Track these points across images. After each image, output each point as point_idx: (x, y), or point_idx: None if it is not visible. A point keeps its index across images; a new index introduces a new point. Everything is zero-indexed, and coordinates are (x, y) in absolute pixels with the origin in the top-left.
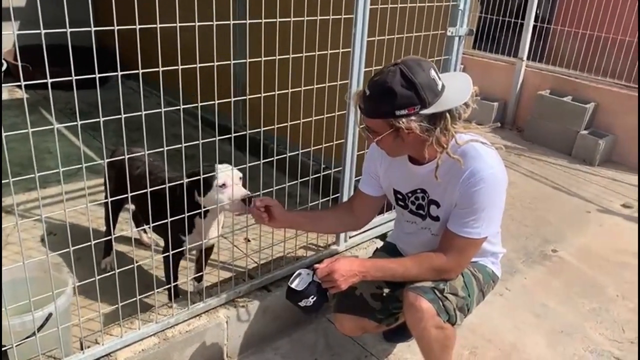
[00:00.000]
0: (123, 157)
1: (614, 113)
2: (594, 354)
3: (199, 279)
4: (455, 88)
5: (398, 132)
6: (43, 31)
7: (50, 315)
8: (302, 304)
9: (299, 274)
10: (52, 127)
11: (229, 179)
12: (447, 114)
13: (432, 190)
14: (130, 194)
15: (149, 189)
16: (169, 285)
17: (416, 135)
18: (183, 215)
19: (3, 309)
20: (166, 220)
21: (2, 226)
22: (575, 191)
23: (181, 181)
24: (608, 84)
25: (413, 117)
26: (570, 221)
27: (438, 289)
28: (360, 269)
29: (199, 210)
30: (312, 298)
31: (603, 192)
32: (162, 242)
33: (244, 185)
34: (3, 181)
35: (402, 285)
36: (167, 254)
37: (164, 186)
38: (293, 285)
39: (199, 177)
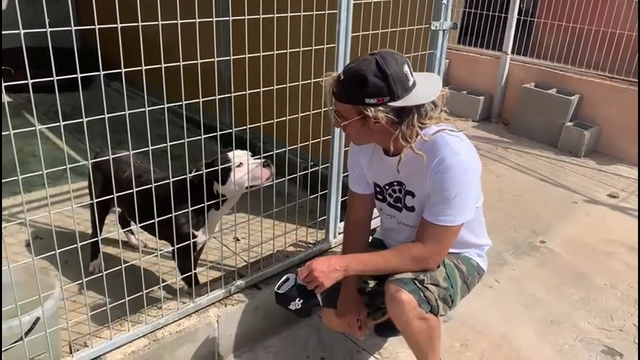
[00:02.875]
0: (109, 159)
1: (598, 104)
2: (583, 343)
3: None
4: (426, 87)
5: (365, 120)
6: (22, 31)
7: (37, 319)
8: (292, 307)
9: (287, 279)
10: (34, 128)
11: (241, 157)
12: (415, 110)
13: (407, 182)
14: (116, 194)
15: (148, 185)
16: (190, 273)
17: (382, 126)
18: (196, 207)
19: None
20: (171, 214)
21: None
22: (562, 182)
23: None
24: (592, 75)
25: (381, 108)
26: (557, 212)
27: (418, 280)
28: (340, 264)
29: (213, 201)
30: (299, 300)
31: (589, 182)
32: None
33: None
34: None
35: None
36: (180, 253)
37: (166, 181)
38: (280, 290)
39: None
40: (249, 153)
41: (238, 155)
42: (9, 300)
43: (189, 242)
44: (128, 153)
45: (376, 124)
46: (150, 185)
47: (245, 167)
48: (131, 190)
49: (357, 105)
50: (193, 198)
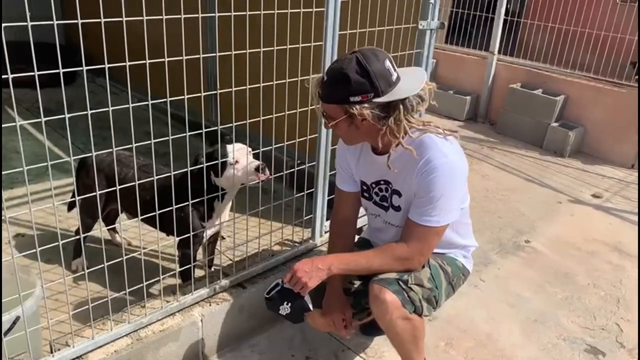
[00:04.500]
0: (111, 161)
1: (583, 105)
2: (567, 342)
3: (209, 265)
4: (410, 81)
5: (352, 119)
6: (3, 24)
7: (17, 318)
8: (282, 312)
9: (276, 285)
10: (15, 124)
11: (240, 154)
12: (400, 105)
13: (394, 181)
14: (116, 191)
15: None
16: (190, 265)
17: (369, 123)
18: (198, 200)
19: None
20: (169, 208)
21: None
22: (547, 182)
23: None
24: (577, 76)
25: (366, 105)
26: (542, 212)
27: (402, 280)
28: (323, 263)
29: (216, 194)
30: (287, 304)
31: (573, 182)
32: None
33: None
34: None
35: None
36: (185, 246)
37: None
38: (267, 295)
39: (213, 161)
40: (249, 149)
41: (237, 150)
42: None
43: (191, 234)
44: (126, 153)
45: (363, 121)
46: (162, 176)
47: (241, 165)
48: (152, 178)
49: (342, 104)
50: (195, 189)
